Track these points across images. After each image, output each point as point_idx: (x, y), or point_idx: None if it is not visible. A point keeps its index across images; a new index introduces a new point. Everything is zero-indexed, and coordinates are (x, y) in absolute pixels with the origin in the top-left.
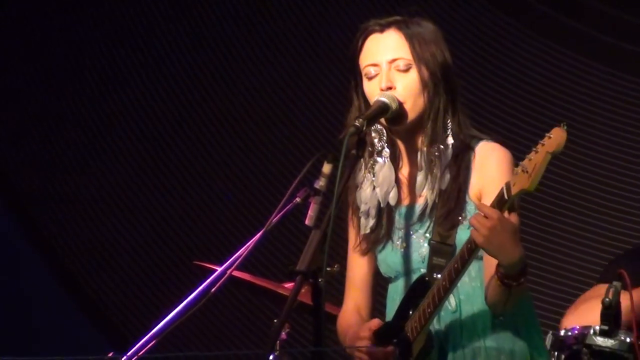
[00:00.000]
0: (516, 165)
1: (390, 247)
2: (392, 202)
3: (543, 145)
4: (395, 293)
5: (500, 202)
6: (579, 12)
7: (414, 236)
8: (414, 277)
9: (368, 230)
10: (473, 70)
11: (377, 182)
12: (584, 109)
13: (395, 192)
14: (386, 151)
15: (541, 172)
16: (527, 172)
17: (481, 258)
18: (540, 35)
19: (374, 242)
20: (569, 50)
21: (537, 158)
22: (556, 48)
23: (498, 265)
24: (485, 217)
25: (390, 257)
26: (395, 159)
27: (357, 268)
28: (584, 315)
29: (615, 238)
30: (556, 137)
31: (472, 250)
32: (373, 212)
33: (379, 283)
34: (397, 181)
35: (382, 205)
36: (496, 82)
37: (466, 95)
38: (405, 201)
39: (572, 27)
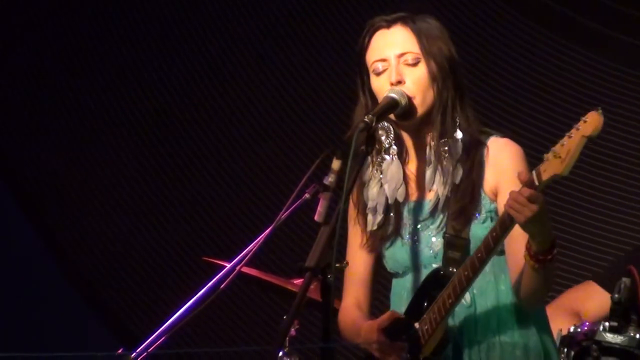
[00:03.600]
0: (546, 151)
1: (399, 243)
2: (400, 198)
3: (578, 129)
4: (403, 288)
5: (529, 188)
6: (591, 9)
7: (424, 231)
8: (425, 272)
9: (375, 227)
10: (482, 67)
11: (385, 179)
12: (595, 105)
13: (403, 188)
14: (394, 148)
15: (576, 157)
16: (560, 157)
17: (500, 254)
18: (551, 31)
19: (381, 239)
20: (583, 47)
21: (572, 143)
22: (568, 45)
23: (529, 247)
24: (528, 200)
25: (399, 253)
26: (402, 156)
27: (360, 265)
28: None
29: (627, 234)
30: (592, 121)
31: (497, 237)
32: (381, 208)
33: (378, 279)
34: (405, 177)
35: (390, 202)
36: (507, 79)
37: (475, 91)
38: (414, 196)
39: (585, 25)
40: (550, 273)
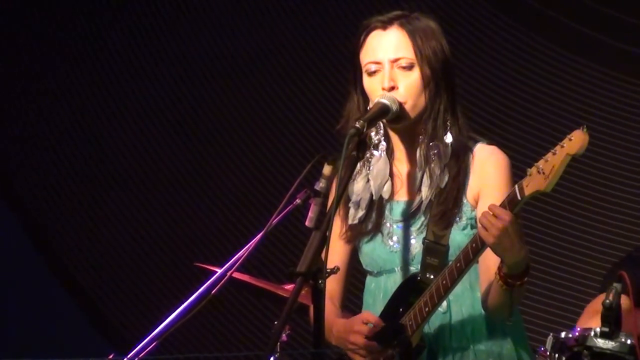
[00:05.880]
0: (530, 166)
1: (379, 240)
2: (385, 195)
3: (562, 147)
4: (378, 289)
5: (511, 203)
6: (583, 14)
7: (405, 232)
8: (402, 274)
9: (356, 221)
10: (472, 73)
11: (372, 174)
12: (585, 111)
13: (389, 185)
14: (383, 144)
15: (559, 174)
16: (543, 173)
17: (477, 262)
18: (543, 37)
19: (359, 233)
20: (572, 53)
21: (556, 159)
22: (557, 50)
23: (500, 267)
24: (496, 217)
25: (377, 252)
26: (391, 153)
27: (336, 256)
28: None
29: (617, 241)
30: (577, 140)
31: (477, 249)
32: (364, 204)
33: (352, 275)
34: (392, 175)
35: (374, 197)
36: (496, 84)
37: (465, 97)
38: (400, 197)
39: (576, 30)
40: (518, 295)
